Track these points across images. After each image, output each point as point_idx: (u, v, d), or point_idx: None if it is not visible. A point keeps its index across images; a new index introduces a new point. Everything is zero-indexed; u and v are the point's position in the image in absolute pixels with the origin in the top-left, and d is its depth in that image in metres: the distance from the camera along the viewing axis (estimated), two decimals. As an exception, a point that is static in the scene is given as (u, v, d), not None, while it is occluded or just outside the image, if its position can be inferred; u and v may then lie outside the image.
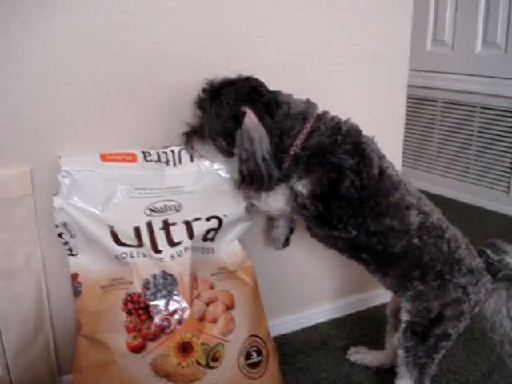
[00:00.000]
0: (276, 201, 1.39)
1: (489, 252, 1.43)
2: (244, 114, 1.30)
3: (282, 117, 1.35)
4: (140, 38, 1.39)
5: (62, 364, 1.50)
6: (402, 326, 1.41)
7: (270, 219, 1.63)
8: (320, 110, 1.39)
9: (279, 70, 1.61)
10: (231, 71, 1.37)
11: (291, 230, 1.56)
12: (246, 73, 1.38)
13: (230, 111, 1.32)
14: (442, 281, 1.37)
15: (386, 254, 1.38)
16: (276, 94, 1.38)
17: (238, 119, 1.31)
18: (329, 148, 1.34)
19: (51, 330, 1.46)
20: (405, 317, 1.41)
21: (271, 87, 1.39)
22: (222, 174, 1.42)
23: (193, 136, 1.40)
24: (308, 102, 1.39)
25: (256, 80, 1.38)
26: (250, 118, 1.30)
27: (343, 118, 1.39)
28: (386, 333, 1.65)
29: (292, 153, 1.35)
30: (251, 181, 1.32)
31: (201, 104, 1.38)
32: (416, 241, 1.36)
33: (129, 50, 1.39)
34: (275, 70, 1.59)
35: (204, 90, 1.37)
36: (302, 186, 1.37)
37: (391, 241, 1.36)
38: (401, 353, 1.41)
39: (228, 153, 1.36)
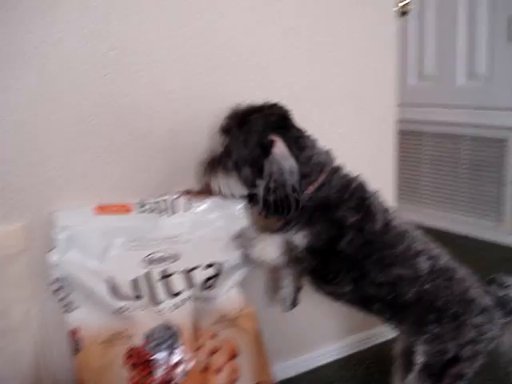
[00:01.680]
0: (272, 251, 1.37)
1: (494, 288, 1.42)
2: (272, 142, 1.29)
3: (303, 160, 1.33)
4: (129, 88, 1.40)
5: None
6: (418, 367, 1.39)
7: (273, 275, 1.61)
8: (335, 163, 1.39)
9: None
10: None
11: (298, 289, 1.53)
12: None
13: (258, 139, 1.30)
14: (457, 322, 1.35)
15: (398, 302, 1.36)
16: (303, 133, 1.37)
17: (267, 148, 1.29)
18: (334, 203, 1.34)
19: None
20: (420, 358, 1.38)
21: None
22: (217, 221, 1.41)
23: (217, 166, 1.36)
24: (329, 153, 1.40)
25: (282, 107, 1.36)
26: (279, 148, 1.29)
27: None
28: (393, 373, 1.62)
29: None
30: (276, 209, 1.30)
31: (227, 131, 1.34)
32: (428, 286, 1.35)
33: (118, 100, 1.39)
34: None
35: (230, 117, 1.34)
36: (300, 238, 1.35)
37: (402, 289, 1.35)
38: None
39: (251, 184, 1.34)
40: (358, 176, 1.40)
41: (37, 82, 1.29)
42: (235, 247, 1.39)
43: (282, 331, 1.78)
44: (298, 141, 1.34)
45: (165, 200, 1.38)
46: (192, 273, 1.31)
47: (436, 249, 1.41)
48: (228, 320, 1.34)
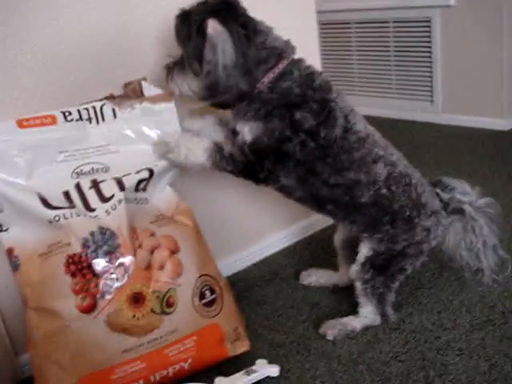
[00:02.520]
0: (197, 155, 1.34)
1: (439, 191, 1.50)
2: (206, 24, 1.25)
3: (257, 45, 1.30)
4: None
5: (17, 344, 1.47)
6: (361, 260, 1.45)
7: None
8: (297, 56, 1.36)
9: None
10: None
11: None
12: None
13: (197, 27, 1.26)
14: (411, 224, 1.41)
15: (353, 204, 1.40)
16: (256, 21, 1.33)
17: (205, 34, 1.25)
18: (297, 101, 1.31)
19: (-1, 311, 1.42)
20: (366, 253, 1.44)
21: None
22: (147, 130, 1.36)
23: (173, 68, 1.35)
24: (288, 42, 1.36)
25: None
26: (213, 27, 1.24)
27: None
28: (338, 258, 1.68)
29: (256, 90, 1.31)
30: (211, 95, 1.28)
31: (175, 31, 1.31)
32: (385, 191, 1.38)
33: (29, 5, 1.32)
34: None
35: (177, 16, 1.30)
36: (248, 129, 1.33)
37: (358, 192, 1.38)
38: (358, 284, 1.45)
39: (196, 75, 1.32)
40: (322, 72, 1.38)
41: None
42: (157, 155, 1.36)
43: (223, 227, 1.80)
44: (246, 26, 1.29)
45: (92, 107, 1.31)
46: (123, 178, 1.29)
47: (394, 154, 1.43)
48: (165, 218, 1.34)
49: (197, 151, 1.34)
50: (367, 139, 1.38)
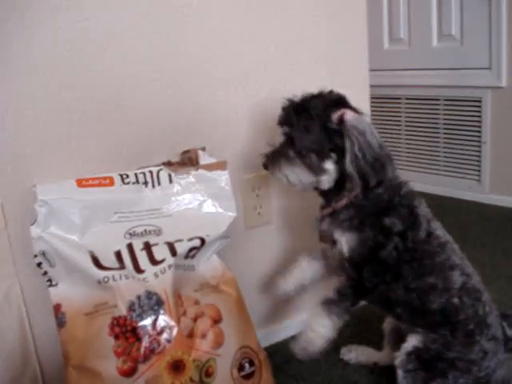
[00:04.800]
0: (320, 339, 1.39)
1: (505, 324, 1.45)
2: (342, 114, 1.27)
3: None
4: (98, 59, 1.39)
5: (53, 400, 1.48)
6: (408, 349, 1.40)
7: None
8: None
9: (241, 80, 1.61)
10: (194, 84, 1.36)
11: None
12: (210, 87, 1.38)
13: (321, 121, 1.29)
14: (470, 339, 1.36)
15: (423, 309, 1.38)
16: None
17: (331, 129, 1.28)
18: (385, 207, 1.34)
19: (38, 363, 1.43)
20: (416, 343, 1.39)
21: (236, 98, 1.38)
22: (201, 195, 1.39)
23: (278, 158, 1.35)
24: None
25: (339, 93, 1.36)
26: (351, 114, 1.27)
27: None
28: (385, 339, 1.65)
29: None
30: (372, 173, 1.27)
31: (286, 121, 1.33)
32: (456, 300, 1.37)
33: (87, 72, 1.38)
34: (237, 80, 1.60)
35: (287, 107, 1.34)
36: (345, 241, 1.37)
37: (431, 297, 1.37)
38: (400, 372, 1.40)
39: (319, 169, 1.33)
40: (407, 181, 1.41)
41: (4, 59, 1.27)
42: (221, 222, 1.38)
43: (265, 298, 1.79)
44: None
45: (149, 171, 1.36)
46: (175, 244, 1.31)
47: (470, 266, 1.43)
48: (210, 287, 1.35)
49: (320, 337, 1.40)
50: (447, 245, 1.40)
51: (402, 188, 1.38)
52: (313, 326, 1.40)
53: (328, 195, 1.41)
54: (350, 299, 1.40)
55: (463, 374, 1.37)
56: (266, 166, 1.40)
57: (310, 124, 1.30)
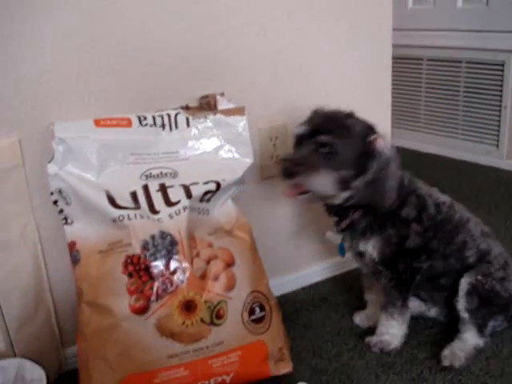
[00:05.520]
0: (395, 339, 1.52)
1: None
2: (375, 139, 1.33)
3: None
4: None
5: (65, 336, 1.50)
6: (465, 289, 1.46)
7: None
8: None
9: (261, 28, 1.60)
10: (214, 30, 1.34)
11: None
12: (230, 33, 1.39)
13: (359, 142, 1.33)
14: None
15: (461, 267, 1.48)
16: None
17: (366, 150, 1.33)
18: (398, 203, 1.41)
19: (52, 301, 1.45)
20: (468, 280, 1.46)
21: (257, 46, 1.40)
22: (218, 139, 1.39)
23: (309, 165, 1.32)
24: None
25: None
26: (382, 142, 1.34)
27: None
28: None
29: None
30: (378, 198, 1.36)
31: (324, 131, 1.33)
32: (484, 245, 1.49)
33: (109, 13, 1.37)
34: (258, 26, 1.58)
35: (325, 117, 1.37)
36: (371, 248, 1.45)
37: (466, 253, 1.48)
38: (464, 315, 1.47)
39: (346, 186, 1.35)
40: (405, 172, 1.46)
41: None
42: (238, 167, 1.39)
43: (278, 248, 1.81)
44: None
45: (167, 114, 1.36)
46: (191, 187, 1.31)
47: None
48: (224, 231, 1.36)
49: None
50: (453, 204, 1.51)
51: (404, 179, 1.44)
52: (384, 331, 1.52)
53: (337, 210, 1.45)
54: (400, 298, 1.48)
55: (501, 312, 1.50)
56: (289, 173, 1.33)
57: (350, 142, 1.32)
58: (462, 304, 1.45)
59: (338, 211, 1.45)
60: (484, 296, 1.45)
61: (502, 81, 3.04)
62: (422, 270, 1.47)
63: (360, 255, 1.51)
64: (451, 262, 1.48)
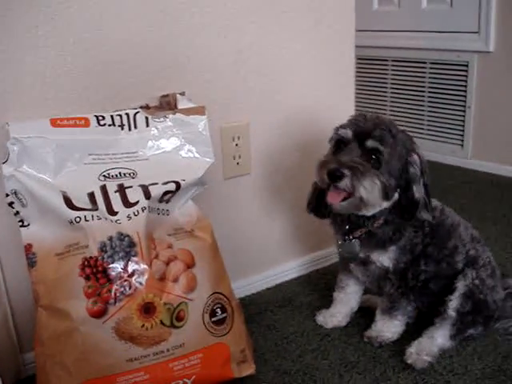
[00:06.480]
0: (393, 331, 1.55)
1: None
2: (415, 152, 1.37)
3: None
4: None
5: (23, 341, 1.47)
6: (461, 290, 1.46)
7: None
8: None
9: (222, 28, 1.58)
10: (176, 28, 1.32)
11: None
12: (192, 32, 1.34)
13: (406, 154, 1.35)
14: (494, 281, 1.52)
15: (453, 273, 1.50)
16: None
17: (406, 162, 1.35)
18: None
19: (9, 305, 1.42)
20: (464, 283, 1.47)
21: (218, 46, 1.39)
22: (178, 139, 1.36)
23: (361, 171, 1.28)
24: None
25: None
26: (416, 158, 1.36)
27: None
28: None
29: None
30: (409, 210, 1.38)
31: (375, 137, 1.31)
32: (473, 252, 1.50)
33: (66, 9, 1.34)
34: (219, 26, 1.57)
35: (376, 124, 1.34)
36: (387, 258, 1.45)
37: (456, 258, 1.48)
38: (453, 315, 1.46)
39: (391, 196, 1.35)
40: None
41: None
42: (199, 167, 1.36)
43: (241, 249, 1.80)
44: None
45: (126, 114, 1.32)
46: (150, 187, 1.29)
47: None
48: (184, 232, 1.33)
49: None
50: (444, 207, 1.52)
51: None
52: (385, 330, 1.54)
53: (359, 219, 1.42)
54: (403, 306, 1.51)
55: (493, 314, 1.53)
56: (338, 176, 1.29)
57: (401, 153, 1.34)
58: (454, 303, 1.45)
59: (351, 220, 1.43)
60: (476, 302, 1.46)
61: (466, 81, 3.09)
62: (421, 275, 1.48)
63: (363, 264, 1.50)
64: (442, 267, 1.48)
